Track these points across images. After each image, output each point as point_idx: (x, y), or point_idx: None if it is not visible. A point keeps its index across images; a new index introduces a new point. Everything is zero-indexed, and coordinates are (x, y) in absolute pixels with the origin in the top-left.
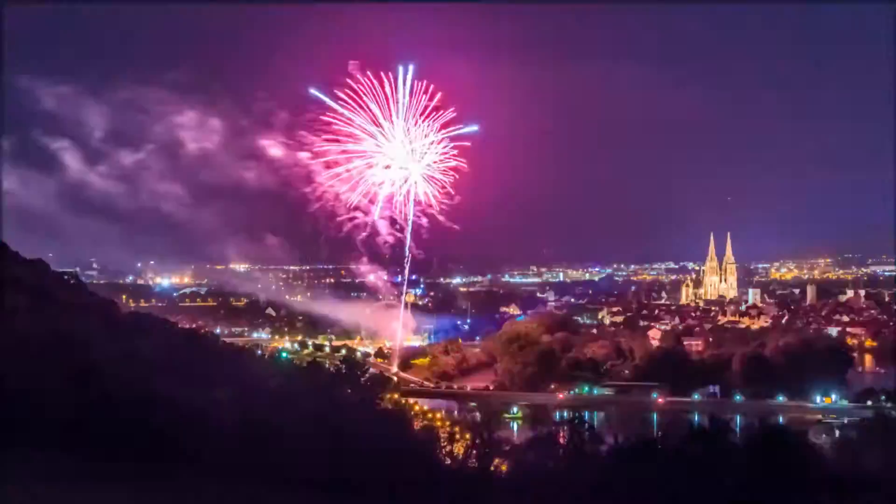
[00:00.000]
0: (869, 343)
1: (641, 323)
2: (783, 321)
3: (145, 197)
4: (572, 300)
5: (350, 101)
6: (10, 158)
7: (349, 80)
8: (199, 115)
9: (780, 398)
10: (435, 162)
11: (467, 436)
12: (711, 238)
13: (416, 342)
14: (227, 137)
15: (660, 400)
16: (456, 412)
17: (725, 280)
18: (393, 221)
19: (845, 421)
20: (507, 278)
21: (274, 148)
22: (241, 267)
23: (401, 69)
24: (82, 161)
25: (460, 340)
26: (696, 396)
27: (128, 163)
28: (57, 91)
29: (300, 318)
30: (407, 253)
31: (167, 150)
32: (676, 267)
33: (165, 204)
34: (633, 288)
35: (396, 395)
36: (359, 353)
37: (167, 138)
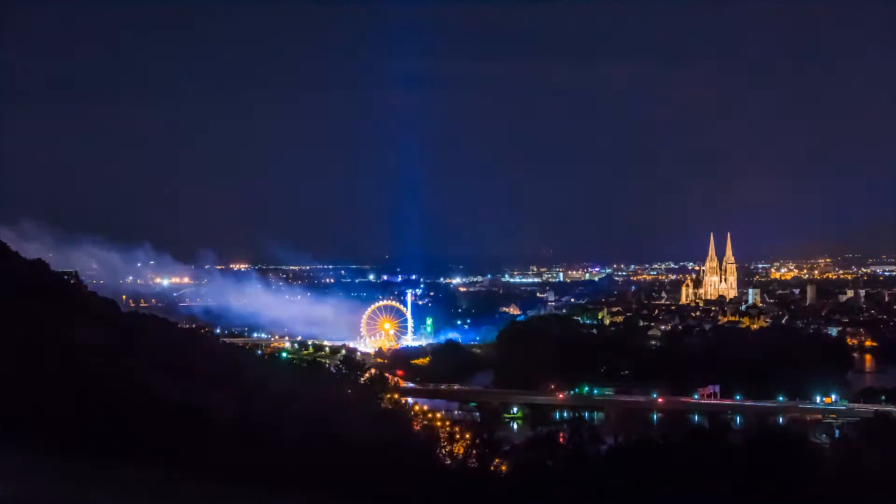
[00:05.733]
0: (869, 343)
1: (641, 323)
2: (783, 321)
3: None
4: (572, 300)
5: None
6: None
7: None
8: None
9: (780, 398)
10: None
11: (467, 436)
12: (711, 238)
13: (417, 342)
14: None
15: (660, 400)
16: (456, 412)
17: (725, 280)
18: None
19: (845, 421)
20: (507, 278)
21: None
22: (241, 267)
23: None
24: None
25: (460, 340)
26: (695, 396)
27: None
28: None
29: (300, 317)
30: None
31: None
32: (676, 267)
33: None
34: (633, 288)
35: (396, 395)
36: (359, 353)
37: None
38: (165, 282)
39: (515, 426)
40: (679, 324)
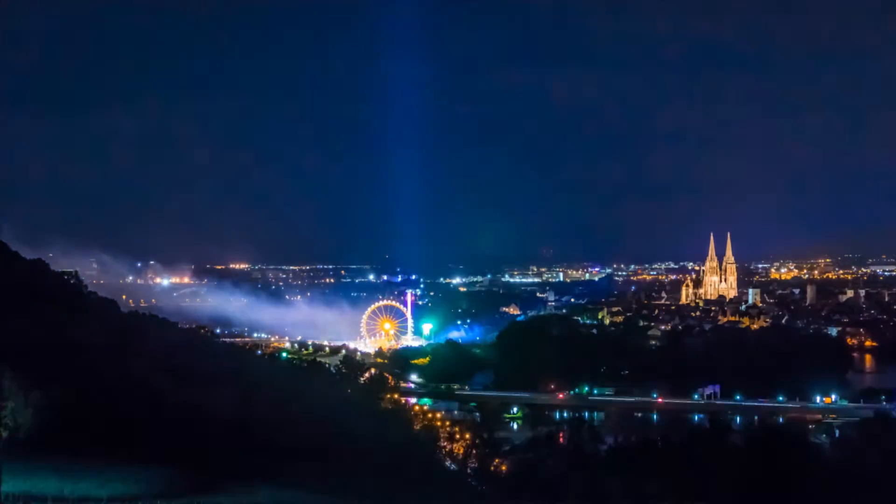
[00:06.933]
0: (869, 343)
1: (641, 323)
2: (783, 321)
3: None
4: (572, 300)
5: None
6: None
7: None
8: None
9: (780, 398)
10: None
11: (467, 436)
12: (711, 238)
13: (417, 342)
14: None
15: (660, 400)
16: (456, 412)
17: (725, 280)
18: None
19: (845, 421)
20: (507, 278)
21: None
22: (241, 266)
23: None
24: None
25: (460, 340)
26: (696, 396)
27: None
28: None
29: (299, 317)
30: None
31: None
32: (676, 267)
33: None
34: (633, 288)
35: (396, 395)
36: (359, 353)
37: None
38: (165, 282)
39: (515, 426)
40: (679, 324)
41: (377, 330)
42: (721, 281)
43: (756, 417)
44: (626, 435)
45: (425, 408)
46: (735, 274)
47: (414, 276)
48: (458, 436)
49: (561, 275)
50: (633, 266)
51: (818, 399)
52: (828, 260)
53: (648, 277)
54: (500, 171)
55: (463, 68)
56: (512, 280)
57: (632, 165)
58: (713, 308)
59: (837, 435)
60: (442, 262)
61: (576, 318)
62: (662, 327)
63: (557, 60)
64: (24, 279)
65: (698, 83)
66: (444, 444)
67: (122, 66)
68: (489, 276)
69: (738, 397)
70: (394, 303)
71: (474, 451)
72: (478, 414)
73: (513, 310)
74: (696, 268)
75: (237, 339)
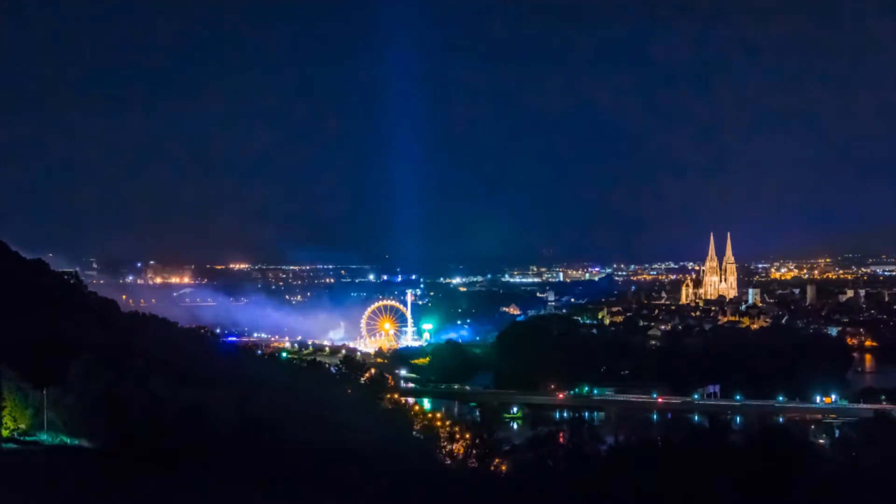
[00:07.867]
0: (869, 343)
1: (641, 323)
2: (783, 321)
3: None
4: (572, 300)
5: None
6: None
7: None
8: None
9: (780, 398)
10: None
11: (467, 436)
12: (711, 238)
13: (416, 342)
14: None
15: (660, 400)
16: (456, 412)
17: (725, 280)
18: None
19: (845, 421)
20: (507, 278)
21: None
22: (241, 267)
23: None
24: None
25: (460, 340)
26: (696, 396)
27: None
28: None
29: (299, 317)
30: None
31: None
32: (676, 267)
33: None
34: (633, 288)
35: (396, 395)
36: (359, 353)
37: None
38: (165, 282)
39: (515, 426)
40: (679, 324)
41: (377, 330)
42: (721, 281)
43: (756, 417)
44: (627, 435)
45: (425, 408)
46: (735, 274)
47: (414, 276)
48: (457, 436)
49: (561, 275)
50: (633, 266)
51: (818, 399)
52: (828, 260)
53: (648, 277)
54: (501, 170)
55: (463, 68)
56: (512, 280)
57: (631, 165)
58: (713, 308)
59: (837, 435)
60: (442, 262)
61: (576, 318)
62: (662, 327)
63: (554, 59)
64: (24, 279)
65: (698, 82)
66: (444, 444)
67: (122, 67)
68: (489, 276)
69: (738, 397)
70: (394, 303)
71: (474, 451)
72: (478, 414)
73: (513, 310)
74: (696, 268)
75: (237, 339)
